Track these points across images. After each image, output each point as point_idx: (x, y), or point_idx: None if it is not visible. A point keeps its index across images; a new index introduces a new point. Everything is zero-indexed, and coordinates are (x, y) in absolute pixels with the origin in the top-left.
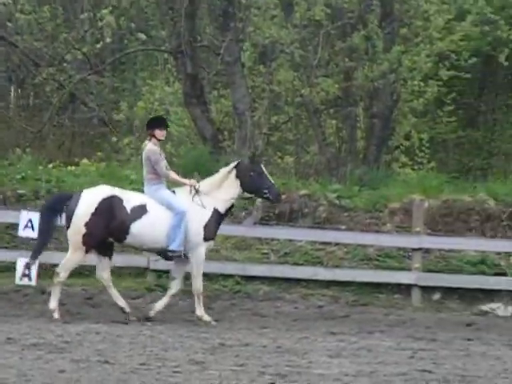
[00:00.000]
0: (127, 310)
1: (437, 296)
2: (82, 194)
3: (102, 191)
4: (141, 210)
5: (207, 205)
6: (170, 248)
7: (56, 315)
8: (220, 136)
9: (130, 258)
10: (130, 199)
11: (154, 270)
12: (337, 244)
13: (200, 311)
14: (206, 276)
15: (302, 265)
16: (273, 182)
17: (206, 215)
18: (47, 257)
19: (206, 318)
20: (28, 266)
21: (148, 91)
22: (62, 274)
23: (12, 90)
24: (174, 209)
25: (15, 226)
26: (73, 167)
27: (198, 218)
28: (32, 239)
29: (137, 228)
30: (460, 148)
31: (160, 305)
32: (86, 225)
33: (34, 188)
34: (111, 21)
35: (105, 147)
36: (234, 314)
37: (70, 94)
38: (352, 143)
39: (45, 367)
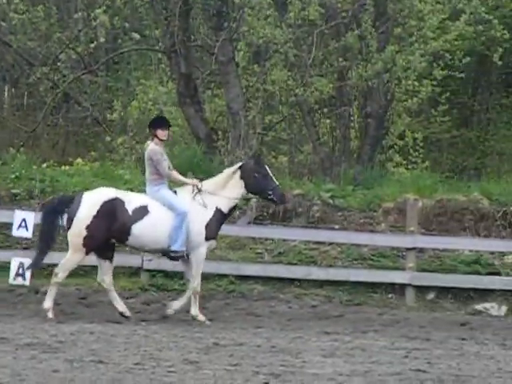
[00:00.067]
0: (127, 314)
1: (431, 295)
2: (84, 196)
3: (104, 194)
4: (142, 212)
5: (209, 204)
6: (172, 249)
7: (50, 315)
8: (214, 136)
9: (123, 258)
10: (132, 201)
11: (148, 270)
12: (331, 243)
13: (195, 310)
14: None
15: (296, 264)
16: (277, 183)
17: (208, 215)
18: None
19: (201, 317)
20: (36, 266)
21: (142, 91)
22: (61, 274)
23: (6, 89)
24: (175, 209)
25: (9, 226)
26: (67, 167)
27: (199, 217)
28: (26, 239)
29: (138, 229)
30: (454, 147)
31: (178, 304)
32: (88, 227)
33: (28, 188)
34: (105, 20)
35: (99, 147)
36: (229, 314)
37: (63, 93)
38: (346, 143)
39: (39, 367)
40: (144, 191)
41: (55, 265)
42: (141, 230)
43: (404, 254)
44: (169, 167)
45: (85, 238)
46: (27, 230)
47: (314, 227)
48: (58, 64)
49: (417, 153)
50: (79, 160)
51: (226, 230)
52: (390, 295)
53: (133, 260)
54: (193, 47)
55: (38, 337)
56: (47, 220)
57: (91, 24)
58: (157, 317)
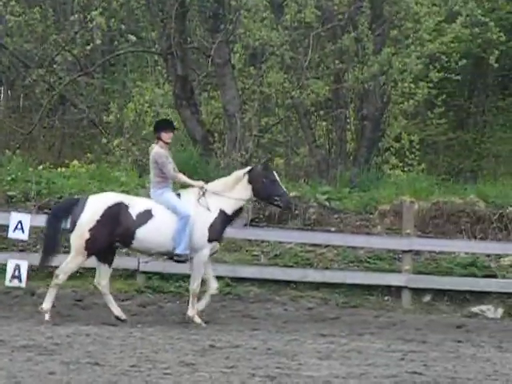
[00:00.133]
0: (123, 317)
1: (427, 298)
2: (88, 200)
3: (108, 198)
4: (146, 216)
5: (213, 206)
6: (176, 252)
7: (47, 317)
8: (210, 138)
9: (119, 260)
10: (136, 205)
11: (144, 272)
12: (327, 246)
13: (192, 312)
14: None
15: (291, 267)
16: (285, 189)
17: (211, 217)
18: (37, 259)
19: (197, 319)
20: (41, 268)
21: (138, 93)
22: (61, 276)
23: (2, 91)
24: (178, 213)
25: (5, 228)
26: (63, 169)
27: (202, 219)
28: (22, 241)
29: (142, 233)
30: (450, 150)
31: (201, 305)
32: (90, 230)
33: (24, 190)
34: (101, 22)
35: (95, 149)
36: (225, 316)
37: (59, 95)
38: (342, 145)
39: (35, 369)
40: (139, 193)
41: (51, 267)
42: (145, 234)
43: (400, 256)
44: (174, 169)
45: (87, 241)
46: (23, 232)
47: (310, 229)
48: (54, 66)
49: (413, 155)
50: (75, 162)
51: None
52: (386, 297)
53: (129, 262)
54: (189, 49)
55: (33, 339)
56: (52, 222)
57: (87, 26)
58: (153, 319)
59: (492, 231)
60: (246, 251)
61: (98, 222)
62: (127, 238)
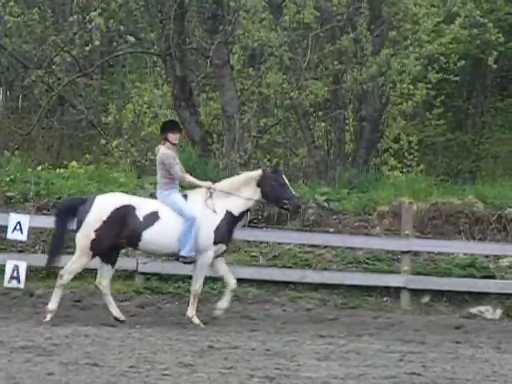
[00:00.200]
0: (122, 318)
1: (426, 299)
2: (96, 200)
3: (116, 199)
4: (153, 217)
5: (220, 207)
6: (181, 254)
7: (49, 317)
8: (209, 139)
9: (118, 261)
10: (143, 207)
11: (143, 273)
12: (325, 247)
13: (191, 312)
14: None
15: (290, 267)
16: (294, 193)
17: (217, 218)
18: (36, 259)
19: (196, 320)
20: (48, 267)
21: (137, 94)
22: (66, 276)
23: (1, 92)
24: (184, 215)
25: (4, 229)
26: (62, 170)
27: (208, 221)
28: (20, 242)
29: (149, 235)
30: (449, 151)
31: (224, 303)
32: (96, 231)
33: (23, 191)
34: (100, 23)
35: (94, 150)
36: (223, 317)
37: (58, 96)
38: (341, 146)
39: (33, 370)
40: (138, 194)
41: (49, 267)
42: (151, 236)
43: (399, 257)
44: (181, 170)
45: (92, 242)
46: (22, 232)
47: (308, 230)
48: (53, 67)
49: (412, 156)
50: (74, 163)
51: None
52: (384, 298)
53: (128, 263)
54: (188, 50)
55: (32, 340)
56: (58, 222)
57: (86, 27)
58: (151, 320)
59: (491, 232)
60: (245, 252)
61: (104, 222)
62: (133, 240)
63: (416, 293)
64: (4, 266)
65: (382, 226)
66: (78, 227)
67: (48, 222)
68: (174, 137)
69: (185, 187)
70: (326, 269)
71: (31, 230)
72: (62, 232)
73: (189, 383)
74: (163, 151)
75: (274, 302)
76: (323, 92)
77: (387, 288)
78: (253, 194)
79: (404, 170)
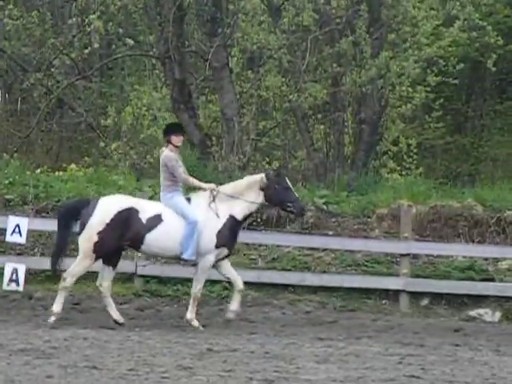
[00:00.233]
0: (121, 321)
1: (425, 301)
2: (99, 202)
3: (120, 201)
4: (156, 220)
5: (222, 211)
6: (183, 257)
7: (52, 319)
8: (208, 141)
9: None
10: (146, 209)
11: (142, 276)
12: (325, 249)
13: (191, 315)
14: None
15: (289, 270)
16: (297, 196)
17: (220, 222)
18: (35, 262)
19: (195, 323)
20: (52, 269)
21: (136, 96)
22: (69, 279)
23: (0, 95)
24: (187, 218)
25: (3, 232)
26: (60, 172)
27: (211, 225)
28: (19, 244)
29: (151, 238)
30: (448, 154)
31: (235, 305)
32: (99, 233)
33: (22, 193)
34: (99, 26)
35: (92, 152)
36: (222, 320)
37: (57, 99)
38: (340, 149)
39: (32, 373)
40: (136, 197)
41: (48, 270)
42: (154, 239)
43: (398, 260)
44: (184, 172)
45: (95, 244)
46: (21, 235)
47: (307, 233)
48: (52, 70)
49: (411, 159)
50: (73, 166)
51: None
52: (383, 301)
53: (127, 266)
54: (187, 53)
55: (31, 343)
56: (61, 224)
57: (85, 30)
58: (150, 322)
59: (490, 235)
60: (244, 255)
61: (107, 225)
62: (136, 243)
63: (415, 295)
64: (3, 268)
65: (381, 228)
66: (81, 230)
67: (47, 224)
68: (177, 139)
69: (190, 189)
70: (325, 271)
71: (30, 232)
72: (65, 234)
73: None
74: (166, 153)
75: (273, 304)
76: (322, 95)
77: (386, 291)
78: (256, 197)
79: (403, 173)
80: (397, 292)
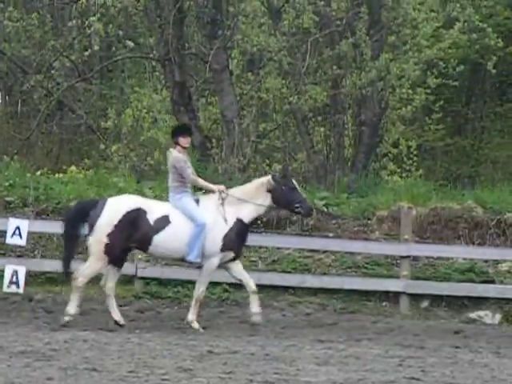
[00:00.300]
0: (122, 322)
1: (425, 304)
2: (107, 203)
3: (127, 202)
4: (164, 221)
5: (230, 214)
6: (188, 258)
7: (66, 320)
8: (208, 143)
9: None
10: (154, 210)
11: (142, 278)
12: (325, 251)
13: (192, 316)
14: (192, 283)
15: (290, 272)
16: (304, 196)
17: (227, 226)
18: (35, 264)
19: (195, 325)
20: (64, 272)
21: (136, 98)
22: (80, 279)
23: (0, 97)
24: (195, 220)
25: (3, 234)
26: (61, 175)
27: (218, 228)
28: (20, 246)
29: (159, 239)
30: (448, 156)
31: (255, 308)
32: (109, 235)
33: (22, 195)
34: (99, 28)
35: (93, 154)
36: (222, 322)
37: (57, 101)
38: (340, 151)
39: (32, 375)
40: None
41: (48, 272)
42: (162, 240)
43: (398, 262)
44: (192, 173)
45: (106, 246)
46: (21, 237)
47: (308, 235)
48: (52, 72)
49: (411, 161)
50: (73, 168)
51: None
52: (384, 303)
53: (127, 268)
54: (187, 55)
55: (31, 345)
56: (69, 226)
57: (85, 32)
58: (150, 325)
59: (490, 237)
60: (244, 257)
61: (116, 226)
62: (144, 244)
63: (415, 297)
64: (3, 270)
65: (381, 230)
66: (90, 231)
67: (47, 226)
68: (184, 141)
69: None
70: (325, 273)
71: (30, 234)
72: (74, 237)
73: None
74: (175, 155)
75: (274, 306)
76: (322, 97)
77: (386, 293)
78: (263, 200)
79: (403, 175)
80: (397, 294)
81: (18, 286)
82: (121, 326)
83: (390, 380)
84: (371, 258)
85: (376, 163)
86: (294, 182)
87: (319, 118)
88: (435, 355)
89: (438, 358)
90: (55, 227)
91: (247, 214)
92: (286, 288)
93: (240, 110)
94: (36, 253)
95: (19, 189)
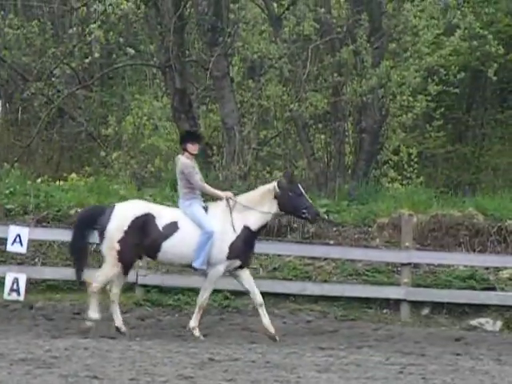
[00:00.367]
0: (123, 329)
1: (426, 311)
2: (115, 209)
3: (136, 207)
4: (172, 227)
5: (238, 222)
6: (193, 265)
7: (88, 325)
8: (209, 151)
9: None
10: (162, 215)
11: (143, 285)
12: (325, 259)
13: (194, 323)
14: (193, 291)
15: (290, 280)
16: (311, 202)
17: (234, 234)
18: (35, 272)
19: (197, 332)
20: (81, 279)
21: (136, 106)
22: (95, 285)
23: (0, 104)
24: (203, 227)
25: (3, 241)
26: (61, 182)
27: (225, 236)
28: (20, 254)
29: (168, 246)
30: (449, 163)
31: (265, 321)
32: (119, 242)
33: (23, 203)
34: (100, 35)
35: (93, 162)
36: (223, 329)
37: (58, 108)
38: (341, 158)
39: (33, 382)
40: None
41: (49, 280)
42: (170, 247)
43: (399, 269)
44: (201, 180)
45: (119, 252)
46: (22, 245)
47: (308, 242)
48: (53, 79)
49: (411, 168)
50: (74, 175)
51: None
52: (384, 310)
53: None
54: (187, 62)
55: (32, 352)
56: (77, 234)
57: (86, 39)
58: (151, 332)
59: (491, 244)
60: None
61: (125, 232)
62: (153, 250)
63: (416, 305)
64: (4, 278)
65: (382, 238)
66: (101, 239)
67: (48, 234)
68: (193, 147)
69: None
70: (325, 281)
71: (31, 242)
72: (83, 245)
73: None
74: (183, 161)
75: (274, 314)
76: (323, 104)
77: (387, 300)
78: (270, 206)
79: (404, 182)
80: (398, 301)
81: (18, 294)
82: (121, 333)
83: None
84: (372, 265)
85: (377, 170)
86: (300, 187)
87: (320, 126)
88: (436, 362)
89: (439, 366)
90: (56, 235)
91: (254, 221)
92: (286, 295)
93: (241, 118)
94: (36, 260)
95: (20, 196)
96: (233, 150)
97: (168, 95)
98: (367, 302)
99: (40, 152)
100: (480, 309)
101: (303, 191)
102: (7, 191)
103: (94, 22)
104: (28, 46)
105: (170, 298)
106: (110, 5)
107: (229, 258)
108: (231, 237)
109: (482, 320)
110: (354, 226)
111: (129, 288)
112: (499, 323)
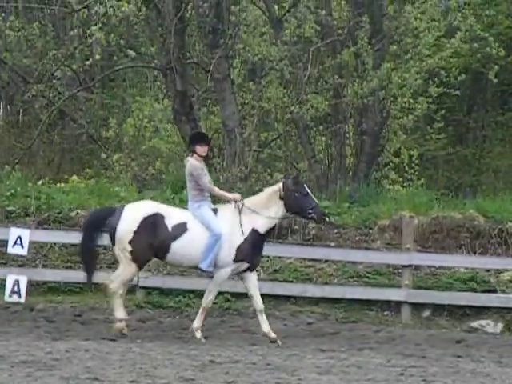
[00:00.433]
0: (124, 331)
1: (426, 313)
2: (125, 210)
3: (145, 208)
4: (181, 228)
5: (246, 225)
6: (200, 266)
7: (119, 325)
8: (209, 153)
9: None
10: (172, 216)
11: (144, 287)
12: (326, 261)
13: (197, 324)
14: (194, 293)
15: (291, 282)
16: (317, 202)
17: (242, 236)
18: (36, 274)
19: (198, 334)
20: (92, 282)
21: (137, 108)
22: (113, 285)
23: (1, 106)
24: (211, 230)
25: (4, 243)
26: (62, 184)
27: (233, 238)
28: (21, 256)
29: (177, 247)
30: (449, 165)
31: (265, 327)
32: (130, 242)
33: (24, 205)
34: (101, 37)
35: (94, 164)
36: (224, 331)
37: (59, 110)
38: (341, 160)
39: None
40: None
41: (50, 282)
42: (179, 248)
43: (400, 271)
44: (209, 182)
45: (131, 253)
46: (22, 247)
47: (309, 244)
48: (54, 81)
49: (412, 170)
50: (75, 177)
51: None
52: (385, 312)
53: None
54: (188, 64)
55: (33, 354)
56: (86, 237)
57: (87, 41)
58: (152, 334)
59: (491, 246)
60: None
61: (135, 233)
62: (162, 252)
63: (417, 307)
64: (5, 280)
65: (383, 239)
66: (112, 240)
67: (49, 236)
68: (201, 149)
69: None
70: (326, 283)
71: (32, 244)
72: (93, 248)
73: None
74: (192, 162)
75: (275, 316)
76: (324, 106)
77: (388, 302)
78: (277, 208)
79: (405, 184)
80: (399, 303)
81: (19, 296)
82: (122, 334)
83: None
84: (373, 267)
85: (377, 172)
86: (306, 187)
87: (321, 128)
88: (437, 364)
89: (440, 368)
90: (57, 237)
91: (262, 224)
92: (287, 297)
93: (241, 120)
94: (37, 262)
95: (21, 198)
96: (233, 152)
97: (169, 97)
98: (368, 304)
99: (41, 154)
100: (481, 311)
101: (309, 191)
102: (8, 193)
103: (95, 24)
104: (29, 48)
105: (171, 300)
106: (111, 7)
107: (235, 260)
108: (239, 239)
109: (483, 322)
110: (355, 227)
111: (130, 290)
112: (500, 325)
